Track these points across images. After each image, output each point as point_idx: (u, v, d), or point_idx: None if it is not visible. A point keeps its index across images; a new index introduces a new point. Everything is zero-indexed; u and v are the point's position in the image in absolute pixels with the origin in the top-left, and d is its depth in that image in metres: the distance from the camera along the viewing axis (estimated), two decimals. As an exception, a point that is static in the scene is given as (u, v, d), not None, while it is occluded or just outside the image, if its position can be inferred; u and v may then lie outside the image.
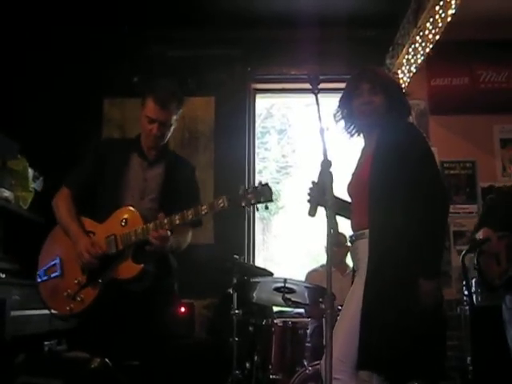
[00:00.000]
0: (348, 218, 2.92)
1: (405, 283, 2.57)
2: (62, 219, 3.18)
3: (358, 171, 2.91)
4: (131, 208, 3.06)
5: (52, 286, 3.11)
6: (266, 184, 2.80)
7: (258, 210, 2.85)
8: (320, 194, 2.52)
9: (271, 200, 2.78)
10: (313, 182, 2.72)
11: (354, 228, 2.85)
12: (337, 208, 2.86)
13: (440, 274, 2.65)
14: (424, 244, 2.59)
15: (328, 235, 2.33)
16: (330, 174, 2.37)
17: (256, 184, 2.81)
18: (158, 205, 3.15)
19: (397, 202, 2.64)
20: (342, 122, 3.01)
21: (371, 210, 2.69)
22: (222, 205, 2.82)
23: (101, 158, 3.26)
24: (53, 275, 3.11)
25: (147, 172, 3.23)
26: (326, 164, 2.38)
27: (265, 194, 2.77)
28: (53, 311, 3.12)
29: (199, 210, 2.88)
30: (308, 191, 2.70)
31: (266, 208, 2.77)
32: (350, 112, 2.96)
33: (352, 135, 3.02)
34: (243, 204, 2.78)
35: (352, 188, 2.92)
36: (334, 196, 2.88)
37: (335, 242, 4.74)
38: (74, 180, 3.29)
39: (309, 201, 2.65)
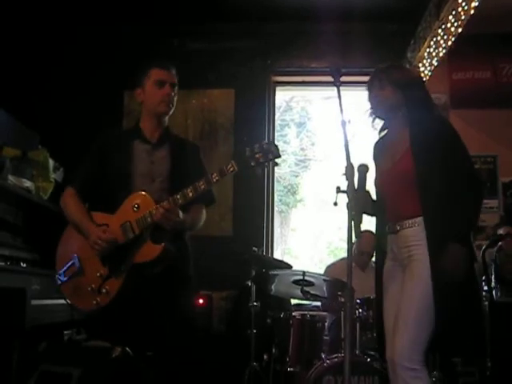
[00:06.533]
0: (371, 214, 2.96)
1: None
2: (71, 217, 3.17)
3: (395, 165, 2.89)
4: (141, 192, 3.04)
5: (74, 285, 3.10)
6: (271, 141, 2.81)
7: (277, 164, 2.84)
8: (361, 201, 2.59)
9: (279, 156, 2.78)
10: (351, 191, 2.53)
11: (398, 218, 2.86)
12: (372, 209, 2.93)
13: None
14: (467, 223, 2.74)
15: (349, 229, 2.33)
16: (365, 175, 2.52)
17: (260, 143, 2.80)
18: (169, 185, 3.13)
19: (448, 188, 2.72)
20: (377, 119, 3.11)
21: (425, 197, 2.74)
22: (231, 169, 2.81)
23: (102, 151, 3.25)
24: (73, 274, 3.09)
25: (153, 155, 3.20)
26: (363, 169, 2.56)
27: (272, 150, 2.77)
28: (80, 309, 3.13)
29: (210, 178, 2.86)
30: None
31: (276, 164, 2.77)
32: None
33: (382, 129, 3.11)
34: (253, 164, 2.77)
35: (390, 181, 2.91)
36: (372, 199, 2.93)
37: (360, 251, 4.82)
38: (77, 178, 3.28)
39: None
